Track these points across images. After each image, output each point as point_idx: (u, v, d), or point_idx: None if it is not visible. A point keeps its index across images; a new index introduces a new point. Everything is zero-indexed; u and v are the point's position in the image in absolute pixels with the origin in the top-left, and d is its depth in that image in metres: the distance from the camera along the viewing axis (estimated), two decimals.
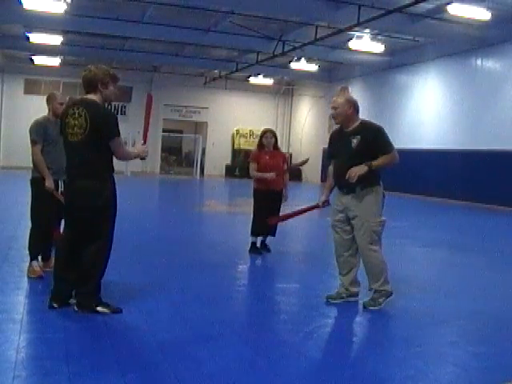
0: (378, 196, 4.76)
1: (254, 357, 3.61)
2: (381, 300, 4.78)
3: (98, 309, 4.18)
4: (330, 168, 5.11)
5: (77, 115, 4.12)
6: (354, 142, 4.70)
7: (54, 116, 5.33)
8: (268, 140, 7.10)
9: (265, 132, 7.20)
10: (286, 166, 7.36)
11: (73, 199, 4.28)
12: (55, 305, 4.24)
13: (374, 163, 4.61)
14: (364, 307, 4.79)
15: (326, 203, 5.17)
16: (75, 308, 4.20)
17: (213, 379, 3.20)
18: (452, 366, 3.68)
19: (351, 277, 4.91)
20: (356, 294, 4.97)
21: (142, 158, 4.57)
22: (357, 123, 4.79)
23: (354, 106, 4.77)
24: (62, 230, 5.60)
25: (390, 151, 4.73)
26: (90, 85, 4.20)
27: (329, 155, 5.13)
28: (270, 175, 6.90)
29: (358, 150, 4.67)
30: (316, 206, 5.29)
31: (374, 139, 4.70)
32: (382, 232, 4.79)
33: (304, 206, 5.57)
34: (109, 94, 4.26)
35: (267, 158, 7.06)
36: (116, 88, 4.33)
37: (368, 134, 4.71)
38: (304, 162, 7.32)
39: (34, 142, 5.23)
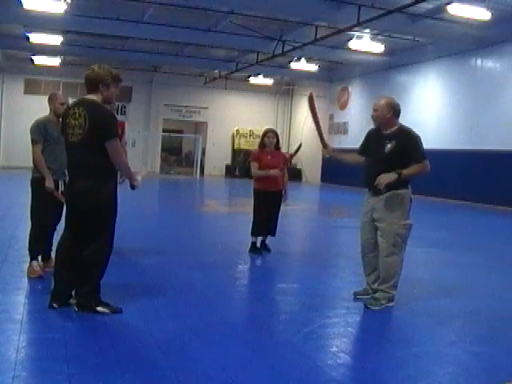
0: (404, 200, 4.80)
1: (254, 357, 3.61)
2: (383, 301, 4.80)
3: (98, 309, 4.18)
4: (354, 154, 5.25)
5: (77, 115, 4.12)
6: (388, 146, 4.75)
7: (55, 116, 5.34)
8: (270, 140, 7.09)
9: (267, 132, 7.19)
10: (286, 167, 7.34)
11: (73, 199, 4.28)
12: (55, 305, 4.24)
13: (404, 172, 4.66)
14: (365, 307, 4.80)
15: (329, 150, 5.25)
16: (75, 308, 4.20)
17: (212, 379, 3.20)
18: (452, 366, 3.68)
19: (375, 276, 4.95)
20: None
21: (132, 186, 4.44)
22: (395, 128, 4.83)
23: (393, 110, 4.82)
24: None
25: (421, 161, 4.76)
26: (92, 84, 4.18)
27: (360, 148, 5.18)
28: (275, 171, 6.91)
29: (391, 154, 4.73)
30: (324, 142, 5.32)
31: (408, 146, 4.74)
32: (407, 236, 4.84)
33: (320, 124, 5.42)
34: (109, 94, 4.24)
35: (268, 157, 7.05)
36: (118, 89, 4.31)
37: (403, 140, 4.75)
38: (297, 150, 7.21)
39: (34, 142, 5.23)
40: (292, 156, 7.76)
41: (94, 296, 4.22)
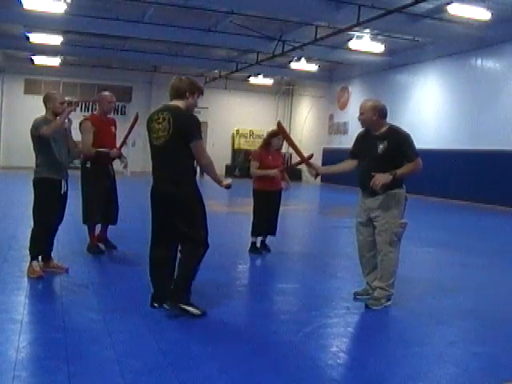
0: (400, 199, 4.88)
1: (254, 357, 3.61)
2: (383, 301, 4.84)
3: (188, 308, 4.29)
4: (345, 162, 5.30)
5: (161, 120, 4.30)
6: (381, 147, 4.82)
7: (54, 115, 5.33)
8: (279, 142, 7.03)
9: (277, 133, 6.91)
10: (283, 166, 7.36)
11: (158, 201, 4.37)
12: (156, 304, 4.45)
13: (399, 172, 4.72)
14: (366, 307, 4.81)
15: (314, 170, 5.38)
16: (166, 306, 4.30)
17: (213, 379, 3.21)
18: (452, 366, 3.68)
19: (374, 275, 4.99)
20: None
21: (228, 187, 4.66)
22: (384, 128, 4.90)
23: (378, 112, 4.88)
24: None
25: (414, 159, 4.81)
26: (179, 92, 4.42)
27: (351, 153, 5.25)
28: (274, 172, 6.92)
29: (384, 154, 4.80)
30: (308, 162, 5.44)
31: (400, 146, 4.81)
32: (402, 234, 4.91)
33: (303, 155, 5.57)
34: (192, 103, 4.45)
35: (270, 158, 7.06)
36: (197, 101, 4.50)
37: (394, 139, 4.82)
38: (298, 163, 6.87)
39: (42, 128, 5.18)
40: (291, 166, 7.57)
41: (186, 295, 4.34)
